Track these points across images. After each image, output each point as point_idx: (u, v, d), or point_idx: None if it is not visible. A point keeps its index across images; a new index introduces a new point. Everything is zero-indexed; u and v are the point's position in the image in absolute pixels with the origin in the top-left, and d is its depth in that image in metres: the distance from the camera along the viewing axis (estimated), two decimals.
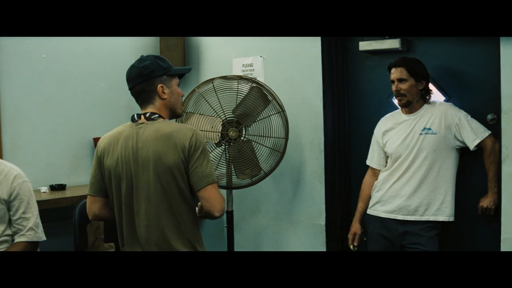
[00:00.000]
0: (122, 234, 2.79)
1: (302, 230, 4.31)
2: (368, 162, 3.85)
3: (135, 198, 2.69)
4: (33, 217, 3.13)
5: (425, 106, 3.59)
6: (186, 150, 2.64)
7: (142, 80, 2.73)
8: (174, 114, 2.85)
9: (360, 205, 3.83)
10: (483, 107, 3.60)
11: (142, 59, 2.77)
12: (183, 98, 3.13)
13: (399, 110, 3.70)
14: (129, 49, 4.76)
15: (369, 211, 3.76)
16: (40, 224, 3.17)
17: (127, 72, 2.79)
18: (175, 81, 2.82)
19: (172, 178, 2.65)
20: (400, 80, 3.55)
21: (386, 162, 3.74)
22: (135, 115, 2.80)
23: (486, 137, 3.43)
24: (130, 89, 2.80)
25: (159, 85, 2.74)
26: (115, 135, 2.80)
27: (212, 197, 2.64)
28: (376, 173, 3.78)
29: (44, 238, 3.16)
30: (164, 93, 2.75)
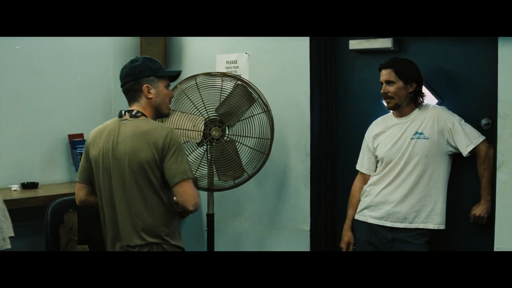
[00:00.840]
0: (105, 221, 3.02)
1: (285, 235, 4.19)
2: (358, 167, 3.74)
3: (114, 188, 2.93)
4: None
5: (418, 109, 3.48)
6: (160, 148, 2.86)
7: (131, 79, 2.98)
8: (160, 113, 3.06)
9: (350, 212, 3.72)
10: (478, 111, 3.50)
11: (133, 60, 3.04)
12: None
13: (390, 114, 3.60)
14: (108, 42, 4.61)
15: (357, 216, 3.66)
16: (1, 232, 2.86)
17: (120, 71, 3.05)
18: (163, 82, 3.03)
19: (143, 173, 2.87)
20: (388, 82, 3.46)
21: (376, 167, 3.62)
22: (122, 111, 3.01)
23: (480, 143, 3.34)
24: (121, 86, 3.05)
25: (145, 85, 2.97)
26: (101, 128, 3.04)
27: (186, 192, 2.84)
28: (366, 178, 3.67)
29: (7, 246, 2.89)
30: (150, 92, 2.98)
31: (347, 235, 3.71)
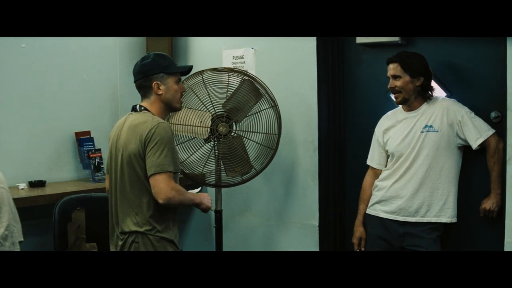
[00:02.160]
0: (109, 208, 3.21)
1: (294, 230, 4.17)
2: (368, 162, 3.71)
3: (114, 177, 3.14)
4: (1, 228, 2.85)
5: (426, 103, 3.46)
6: (143, 140, 3.00)
7: (141, 77, 3.14)
8: (171, 108, 3.22)
9: (361, 207, 3.70)
10: (487, 104, 3.46)
11: (144, 57, 3.19)
12: None
13: (400, 108, 3.57)
14: (114, 38, 4.58)
15: (368, 211, 3.64)
16: (11, 236, 2.81)
17: (133, 68, 3.22)
18: (173, 78, 3.15)
19: (131, 164, 3.04)
20: (395, 77, 3.44)
21: (387, 161, 3.60)
22: (134, 106, 3.22)
23: (490, 136, 3.30)
24: (134, 82, 3.22)
25: (155, 82, 3.11)
26: (117, 122, 3.27)
27: (157, 185, 2.96)
28: (377, 173, 3.65)
29: (15, 251, 2.88)
30: (159, 89, 3.12)
31: (358, 230, 3.69)
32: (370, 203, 3.63)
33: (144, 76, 3.12)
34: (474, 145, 3.31)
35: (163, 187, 2.95)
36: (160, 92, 3.12)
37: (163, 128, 3.02)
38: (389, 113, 3.64)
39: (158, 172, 2.95)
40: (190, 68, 3.32)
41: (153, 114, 3.12)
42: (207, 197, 3.22)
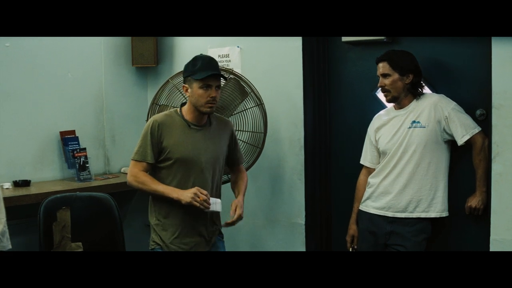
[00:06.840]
0: None
1: (280, 229, 4.18)
2: (361, 161, 3.71)
3: None
4: (0, 224, 2.88)
5: (415, 100, 3.46)
6: None
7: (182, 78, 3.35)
8: (198, 111, 3.25)
9: (355, 206, 3.71)
10: (472, 102, 3.48)
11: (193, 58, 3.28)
12: None
13: (392, 106, 3.58)
14: (99, 37, 4.55)
15: (360, 207, 3.65)
16: (7, 232, 2.90)
17: None
18: (198, 83, 3.18)
19: None
20: (384, 76, 3.45)
21: (380, 159, 3.61)
22: None
23: (476, 134, 3.31)
24: None
25: (184, 85, 3.29)
26: None
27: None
28: (370, 171, 3.65)
29: (9, 247, 2.89)
30: (187, 92, 3.26)
31: (352, 228, 3.71)
32: (362, 200, 3.64)
33: (183, 77, 3.30)
34: (460, 142, 3.32)
35: (128, 171, 3.28)
36: (188, 95, 3.24)
37: (146, 123, 3.28)
38: (381, 112, 3.65)
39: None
40: (211, 74, 3.16)
41: (179, 112, 3.30)
42: (188, 193, 3.15)
